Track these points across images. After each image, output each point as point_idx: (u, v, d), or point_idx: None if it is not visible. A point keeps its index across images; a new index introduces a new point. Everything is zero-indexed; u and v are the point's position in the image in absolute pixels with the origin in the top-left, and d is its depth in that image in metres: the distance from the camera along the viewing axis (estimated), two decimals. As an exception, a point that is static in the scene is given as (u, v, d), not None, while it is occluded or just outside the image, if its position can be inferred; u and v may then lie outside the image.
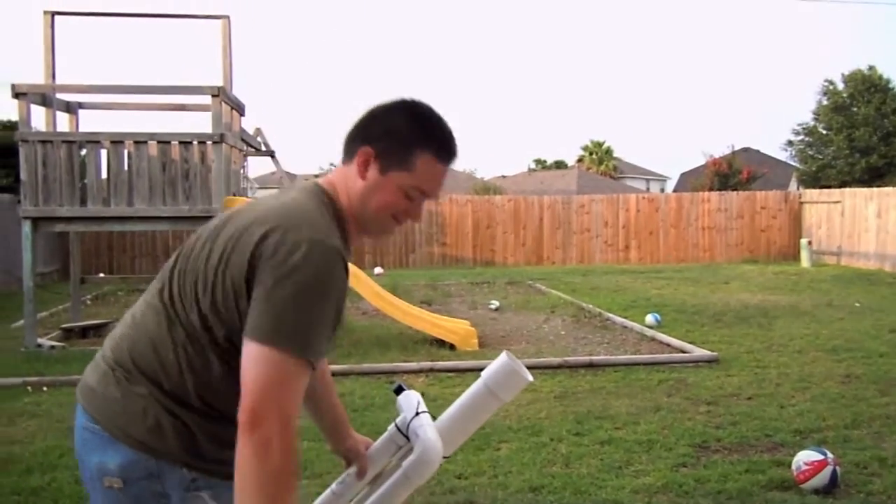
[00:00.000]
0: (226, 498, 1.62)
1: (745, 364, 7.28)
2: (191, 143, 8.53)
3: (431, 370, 7.09)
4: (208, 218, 8.61)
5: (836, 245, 18.50)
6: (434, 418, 1.96)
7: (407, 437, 1.93)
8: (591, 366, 7.21)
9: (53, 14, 9.21)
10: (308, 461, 4.51)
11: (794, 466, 4.26)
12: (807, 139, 34.66)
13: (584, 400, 6.07)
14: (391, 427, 2.01)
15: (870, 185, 24.34)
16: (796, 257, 18.67)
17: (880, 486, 4.21)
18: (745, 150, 42.50)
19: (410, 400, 1.99)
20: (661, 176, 54.94)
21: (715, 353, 7.57)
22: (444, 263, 19.07)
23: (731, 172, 30.66)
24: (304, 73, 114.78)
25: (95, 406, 1.70)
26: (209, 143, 8.54)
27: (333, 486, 2.00)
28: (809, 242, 18.29)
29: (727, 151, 33.18)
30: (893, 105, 31.67)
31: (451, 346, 8.24)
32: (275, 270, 1.53)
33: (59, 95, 9.36)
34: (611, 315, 10.27)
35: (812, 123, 34.39)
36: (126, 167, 8.43)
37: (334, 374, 3.11)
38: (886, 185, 21.37)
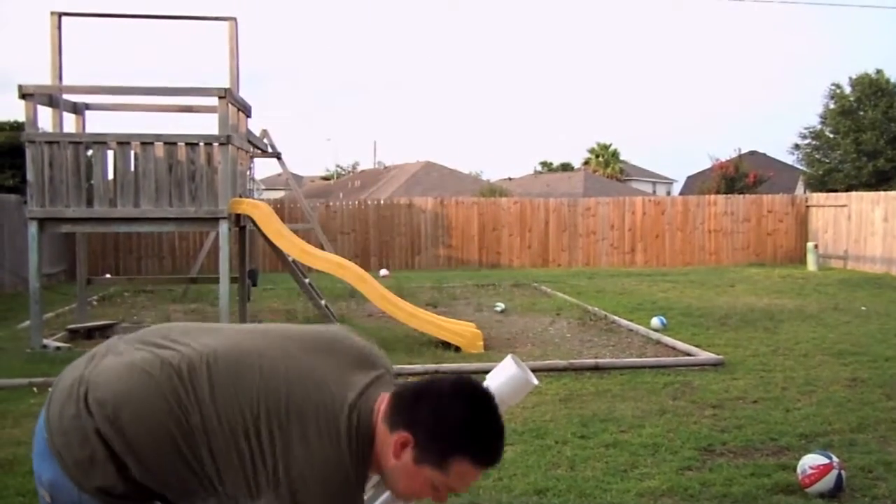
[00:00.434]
0: None
1: (750, 367, 7.26)
2: (197, 144, 8.55)
3: (437, 372, 7.08)
4: (214, 220, 8.66)
5: (842, 249, 18.44)
6: None
7: None
8: (596, 368, 7.20)
9: (60, 15, 9.24)
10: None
11: (799, 470, 4.24)
12: (814, 143, 34.54)
13: (589, 403, 6.06)
14: None
15: (877, 189, 24.26)
16: (803, 261, 18.63)
17: (885, 490, 4.20)
18: (752, 153, 42.42)
19: None
20: (667, 179, 54.87)
21: (720, 357, 7.55)
22: (449, 265, 19.07)
23: (738, 176, 30.58)
24: (312, 75, 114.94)
25: (52, 412, 1.69)
26: (215, 144, 8.55)
27: None
28: (816, 246, 18.24)
29: (734, 155, 33.14)
30: (901, 108, 31.55)
31: (457, 349, 8.24)
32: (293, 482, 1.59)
33: (65, 96, 9.39)
34: (616, 318, 10.26)
35: (819, 127, 34.27)
36: (132, 168, 8.45)
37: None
38: (893, 189, 21.28)
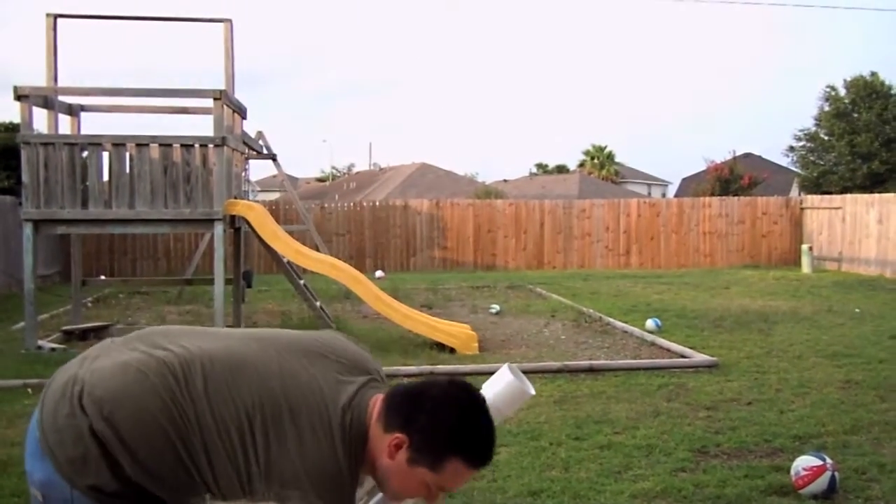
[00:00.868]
0: None
1: (744, 369, 7.28)
2: (192, 145, 8.55)
3: (432, 374, 7.08)
4: (209, 221, 8.66)
5: (836, 251, 18.49)
6: None
7: None
8: (591, 370, 7.21)
9: (56, 17, 9.23)
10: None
11: (792, 472, 4.25)
12: (808, 145, 34.67)
13: (583, 404, 6.07)
14: None
15: (871, 192, 24.35)
16: (797, 263, 18.67)
17: (879, 492, 4.21)
18: (747, 155, 42.51)
19: None
20: (662, 181, 54.92)
21: (715, 359, 7.57)
22: (444, 267, 19.08)
23: (733, 178, 30.65)
24: (308, 77, 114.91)
25: (45, 411, 1.69)
26: (211, 146, 8.55)
27: None
28: (810, 248, 18.28)
29: (728, 157, 33.18)
30: (895, 111, 31.67)
31: (452, 350, 8.24)
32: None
33: (61, 98, 9.38)
34: (611, 320, 10.27)
35: (814, 129, 34.40)
36: (128, 170, 8.44)
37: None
38: (888, 192, 21.35)
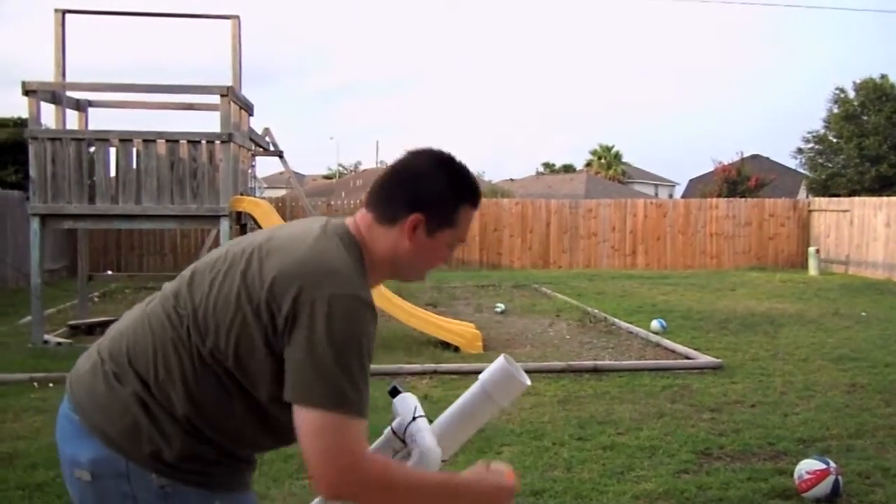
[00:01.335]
0: None
1: (749, 371, 7.26)
2: (199, 142, 8.57)
3: (435, 372, 7.09)
4: (215, 217, 8.69)
5: (844, 254, 18.43)
6: (430, 421, 1.95)
7: (403, 442, 1.92)
8: (595, 370, 7.21)
9: (64, 12, 9.26)
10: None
11: (796, 475, 4.25)
12: (817, 147, 34.54)
13: (587, 405, 6.06)
14: (387, 431, 2.00)
15: (879, 194, 24.25)
16: (804, 265, 18.61)
17: (882, 497, 4.20)
18: (755, 157, 42.40)
19: (407, 404, 1.98)
20: (669, 181, 54.85)
21: (720, 360, 7.56)
22: (450, 266, 19.05)
23: (740, 179, 30.61)
24: (315, 74, 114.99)
25: (78, 396, 1.69)
26: (217, 142, 8.57)
27: None
28: (817, 251, 18.22)
29: (736, 158, 33.13)
30: (904, 114, 31.55)
31: (456, 349, 8.25)
32: (311, 333, 1.53)
33: (68, 93, 9.41)
34: (616, 320, 10.26)
35: (822, 131, 34.27)
36: (135, 165, 8.47)
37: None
38: (896, 195, 21.28)
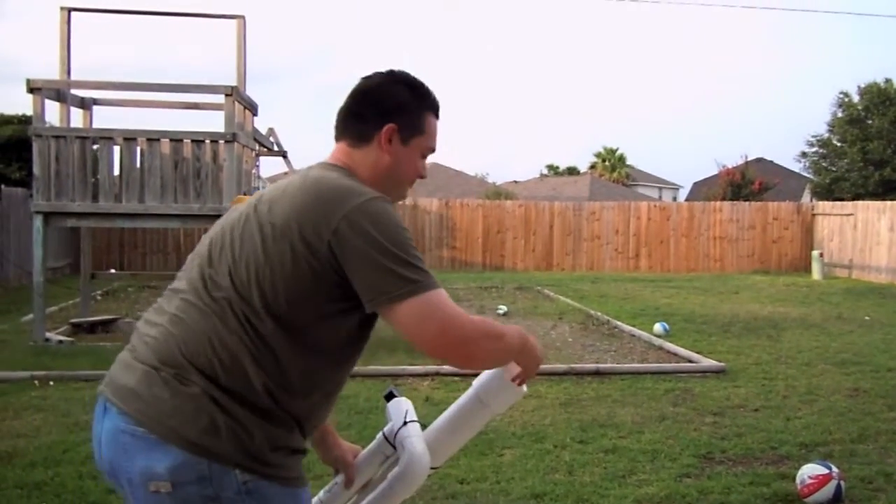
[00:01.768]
0: (275, 502, 1.65)
1: (752, 375, 7.24)
2: (203, 141, 8.57)
3: (437, 374, 7.08)
4: (218, 217, 8.69)
5: (847, 258, 18.39)
6: (424, 426, 1.93)
7: (394, 447, 1.90)
8: (597, 373, 7.19)
9: (70, 10, 9.26)
10: (311, 463, 4.50)
11: (798, 480, 4.23)
12: (821, 151, 34.49)
13: (589, 408, 6.05)
14: (379, 436, 1.98)
15: (883, 199, 24.20)
16: (807, 269, 18.58)
17: (885, 502, 4.18)
18: (759, 160, 42.34)
19: (399, 408, 1.95)
20: (673, 184, 54.76)
21: (722, 364, 7.54)
22: (453, 267, 19.07)
23: (744, 182, 30.56)
24: (319, 74, 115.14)
25: (138, 408, 1.63)
26: (221, 142, 8.57)
27: (321, 493, 1.97)
28: (821, 255, 18.20)
29: (740, 161, 33.07)
30: (909, 118, 31.49)
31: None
32: (363, 244, 1.61)
33: (73, 91, 9.41)
34: (619, 323, 10.24)
35: (826, 135, 34.22)
36: (138, 164, 8.47)
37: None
38: (900, 199, 21.21)
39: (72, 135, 8.51)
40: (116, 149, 8.53)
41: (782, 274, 18.77)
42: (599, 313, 11.01)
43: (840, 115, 33.37)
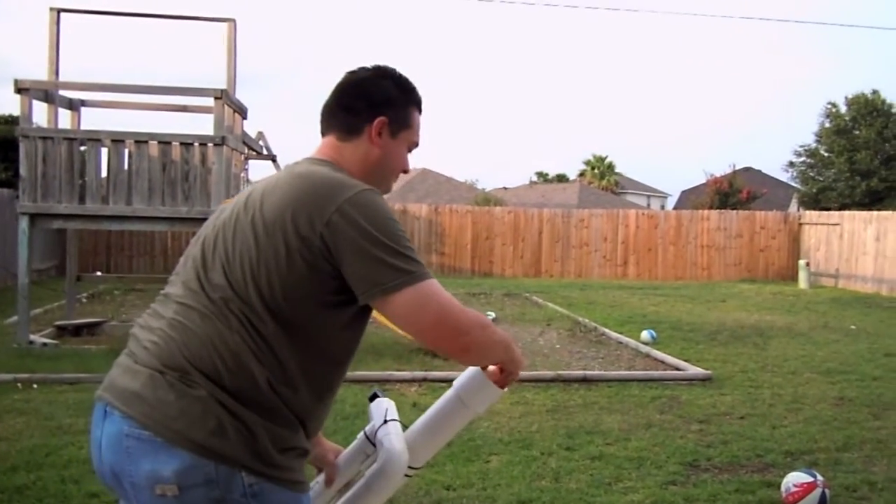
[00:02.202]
0: None
1: (738, 383, 7.26)
2: (192, 144, 8.53)
3: (425, 380, 7.07)
4: (206, 220, 8.67)
5: (834, 267, 18.49)
6: (406, 427, 1.93)
7: (374, 445, 1.90)
8: (584, 380, 7.19)
9: (59, 11, 9.22)
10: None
11: (783, 488, 4.24)
12: (808, 161, 34.70)
13: (576, 414, 6.05)
14: (360, 435, 1.99)
15: (870, 209, 24.36)
16: (794, 278, 18.67)
17: (870, 511, 4.19)
18: (747, 169, 42.58)
19: (381, 407, 1.96)
20: (661, 193, 54.98)
21: (709, 372, 7.55)
22: (441, 273, 19.05)
23: (732, 191, 30.69)
24: (309, 78, 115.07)
25: (143, 411, 1.62)
26: (210, 145, 8.54)
27: None
28: (808, 264, 18.28)
29: (728, 170, 33.22)
30: (895, 129, 31.74)
31: (446, 357, 8.20)
32: (357, 236, 1.62)
33: (61, 92, 9.36)
34: (606, 330, 10.26)
35: (814, 145, 34.44)
36: (126, 166, 8.43)
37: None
38: (886, 209, 21.37)
39: (59, 136, 8.46)
40: (104, 150, 8.48)
41: (769, 283, 18.84)
42: (587, 320, 11.02)
43: (827, 125, 33.60)
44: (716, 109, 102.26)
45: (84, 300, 12.37)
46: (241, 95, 10.01)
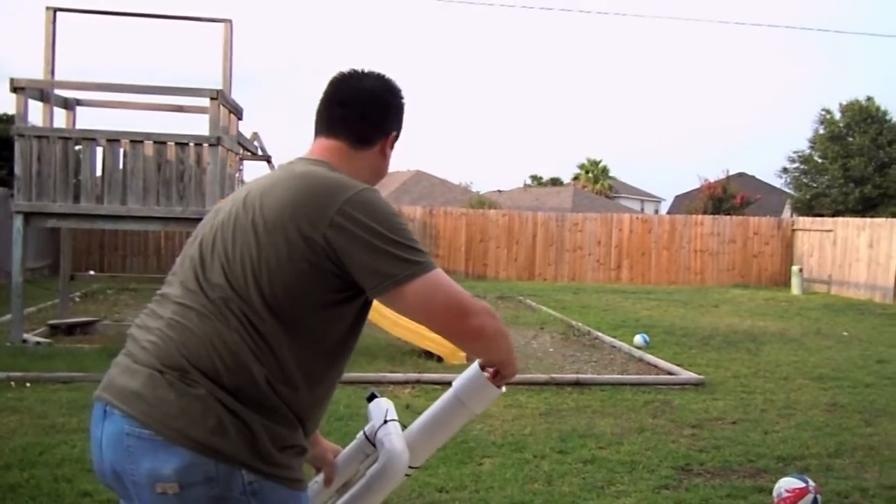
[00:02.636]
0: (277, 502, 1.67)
1: (731, 388, 7.28)
2: (187, 144, 8.53)
3: (418, 382, 7.08)
4: (201, 220, 8.66)
5: (826, 274, 18.56)
6: (404, 427, 1.94)
7: (374, 446, 1.91)
8: (577, 384, 7.20)
9: (55, 10, 9.21)
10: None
11: (775, 493, 4.26)
12: (802, 167, 34.83)
13: (569, 418, 6.06)
14: (359, 435, 2.00)
15: (863, 215, 24.46)
16: (787, 284, 18.72)
17: (860, 517, 4.21)
18: (741, 175, 42.68)
19: (380, 407, 1.98)
20: (655, 197, 55.08)
21: (702, 377, 7.58)
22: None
23: (725, 197, 30.79)
24: (304, 80, 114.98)
25: (143, 410, 1.63)
26: (206, 145, 8.54)
27: None
28: (800, 270, 18.34)
29: (722, 176, 33.33)
30: (889, 136, 31.88)
31: (439, 359, 8.22)
32: (362, 233, 1.65)
33: (57, 91, 9.35)
34: (599, 334, 10.28)
35: (808, 152, 34.57)
36: (121, 166, 8.42)
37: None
38: (879, 216, 21.48)
39: (54, 135, 8.45)
40: (99, 150, 8.48)
41: (762, 288, 18.90)
42: (580, 324, 11.04)
43: (821, 131, 33.73)
44: (710, 114, 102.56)
45: (77, 299, 12.34)
46: (236, 96, 10.01)
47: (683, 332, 10.76)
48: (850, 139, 32.56)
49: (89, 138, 8.50)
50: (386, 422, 1.91)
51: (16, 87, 8.31)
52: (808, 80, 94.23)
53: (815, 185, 33.82)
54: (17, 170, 8.26)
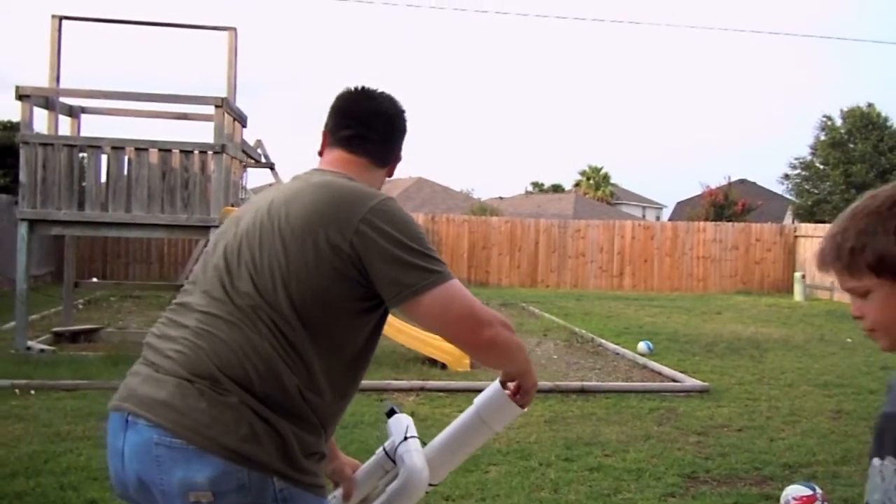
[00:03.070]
0: None
1: (735, 395, 7.27)
2: (192, 152, 8.55)
3: (422, 389, 7.07)
4: (205, 228, 8.66)
5: (829, 280, 18.52)
6: (424, 443, 1.94)
7: (394, 462, 1.91)
8: (582, 391, 7.20)
9: (61, 18, 9.25)
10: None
11: (782, 500, 4.25)
12: (803, 173, 34.87)
13: (574, 425, 6.05)
14: (379, 451, 1.99)
15: (865, 222, 24.33)
16: (790, 291, 18.71)
17: (868, 524, 4.20)
18: (742, 181, 42.67)
19: (400, 423, 1.97)
20: (657, 204, 55.08)
21: (706, 384, 7.57)
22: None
23: (727, 203, 30.78)
24: (308, 87, 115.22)
25: (172, 419, 1.62)
26: (210, 152, 8.55)
27: None
28: (803, 276, 18.33)
29: (724, 182, 33.33)
30: (891, 142, 31.92)
31: (443, 366, 8.22)
32: (384, 242, 1.68)
33: (62, 99, 9.38)
34: (603, 341, 10.27)
35: (809, 158, 34.62)
36: (126, 173, 8.44)
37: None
38: (881, 223, 21.39)
39: (59, 143, 8.47)
40: (104, 157, 8.49)
41: (764, 295, 18.88)
42: (584, 331, 11.04)
43: (823, 138, 33.78)
44: (711, 121, 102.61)
45: (80, 306, 12.34)
46: (240, 104, 10.04)
47: (687, 339, 10.75)
48: (852, 145, 32.62)
49: (94, 146, 8.52)
50: (406, 438, 1.91)
51: (21, 95, 8.34)
52: (809, 87, 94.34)
53: (816, 191, 33.85)
54: (22, 177, 8.28)
